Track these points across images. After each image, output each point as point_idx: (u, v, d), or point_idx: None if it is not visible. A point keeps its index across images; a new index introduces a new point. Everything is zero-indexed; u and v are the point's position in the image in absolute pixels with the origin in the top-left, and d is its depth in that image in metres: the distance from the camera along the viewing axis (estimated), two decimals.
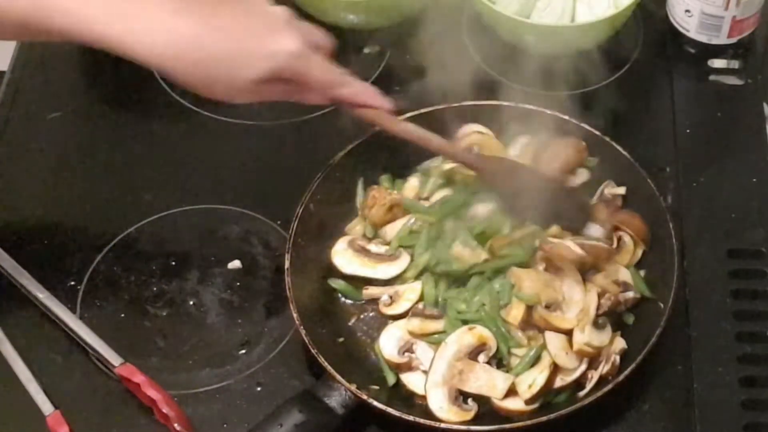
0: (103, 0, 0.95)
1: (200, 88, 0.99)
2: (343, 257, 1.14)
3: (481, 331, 1.06)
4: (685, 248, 1.14)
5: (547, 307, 1.07)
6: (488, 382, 1.04)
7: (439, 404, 1.03)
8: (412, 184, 1.20)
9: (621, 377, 1.02)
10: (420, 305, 1.10)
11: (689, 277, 1.13)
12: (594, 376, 1.05)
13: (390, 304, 1.11)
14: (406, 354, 1.08)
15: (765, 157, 1.24)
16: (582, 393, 1.05)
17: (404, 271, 1.13)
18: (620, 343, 1.07)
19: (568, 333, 1.06)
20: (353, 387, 1.03)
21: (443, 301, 1.11)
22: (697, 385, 1.06)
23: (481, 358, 1.06)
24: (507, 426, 1.01)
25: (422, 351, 1.07)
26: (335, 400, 1.03)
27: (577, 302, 1.08)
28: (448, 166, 1.19)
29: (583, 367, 1.06)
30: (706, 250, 1.16)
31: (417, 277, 1.12)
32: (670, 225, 1.11)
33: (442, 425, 1.02)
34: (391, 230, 1.15)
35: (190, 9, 0.96)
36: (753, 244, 1.16)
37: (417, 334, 1.08)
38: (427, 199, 1.18)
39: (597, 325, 1.07)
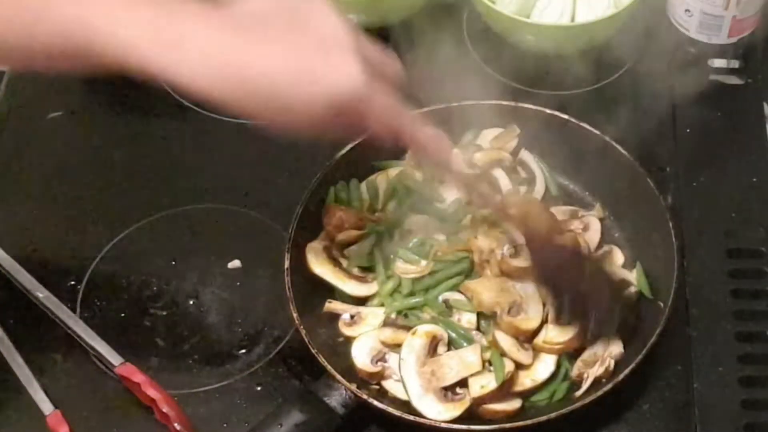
0: (143, 23, 0.82)
1: (245, 116, 0.85)
2: (316, 258, 1.13)
3: (425, 329, 1.06)
4: (685, 248, 1.14)
5: (509, 312, 1.07)
6: (460, 364, 1.04)
7: (435, 410, 1.02)
8: (363, 196, 1.19)
9: (621, 377, 1.02)
10: (393, 315, 1.10)
11: (689, 277, 1.13)
12: (590, 376, 1.05)
13: (350, 325, 1.10)
14: (379, 363, 1.07)
15: (765, 157, 1.24)
16: (579, 393, 1.05)
17: (371, 297, 1.13)
18: (617, 347, 1.07)
19: (536, 333, 1.06)
20: (353, 387, 1.03)
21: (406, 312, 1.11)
22: (697, 385, 1.06)
23: (441, 349, 1.06)
24: (507, 426, 1.01)
25: (394, 360, 1.06)
26: (335, 399, 1.03)
27: (534, 297, 1.08)
28: (394, 172, 1.19)
29: (551, 365, 1.06)
30: (706, 249, 1.16)
31: (382, 305, 1.12)
32: (670, 224, 1.11)
33: (443, 425, 1.02)
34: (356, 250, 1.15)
35: (237, 26, 0.83)
36: (753, 244, 1.16)
37: (389, 344, 1.07)
38: (381, 210, 1.18)
39: (558, 321, 1.07)
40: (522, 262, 1.09)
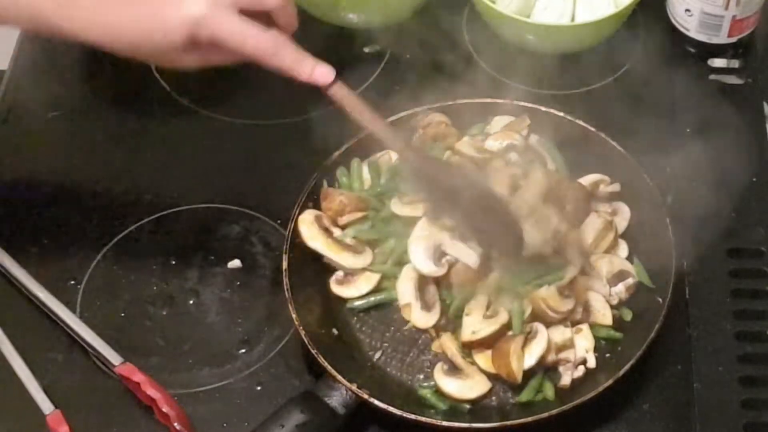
0: None
1: (155, 61, 1.08)
2: (309, 230, 1.13)
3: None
4: (685, 248, 1.14)
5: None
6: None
7: (428, 268, 1.07)
8: (365, 176, 1.20)
9: (620, 373, 1.02)
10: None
11: (689, 277, 1.13)
12: (567, 368, 1.07)
13: (342, 283, 1.12)
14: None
15: (765, 157, 1.24)
16: (578, 391, 1.05)
17: (368, 266, 1.14)
18: (587, 340, 1.09)
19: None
20: (354, 387, 1.03)
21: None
22: (697, 385, 1.06)
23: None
24: (507, 423, 1.02)
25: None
26: (336, 400, 1.03)
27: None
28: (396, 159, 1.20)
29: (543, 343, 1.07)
30: (706, 249, 1.16)
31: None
32: (668, 221, 1.11)
33: (444, 423, 1.02)
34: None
35: None
36: (753, 244, 1.16)
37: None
38: (382, 194, 1.18)
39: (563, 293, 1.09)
40: None
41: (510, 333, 1.07)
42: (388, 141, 1.09)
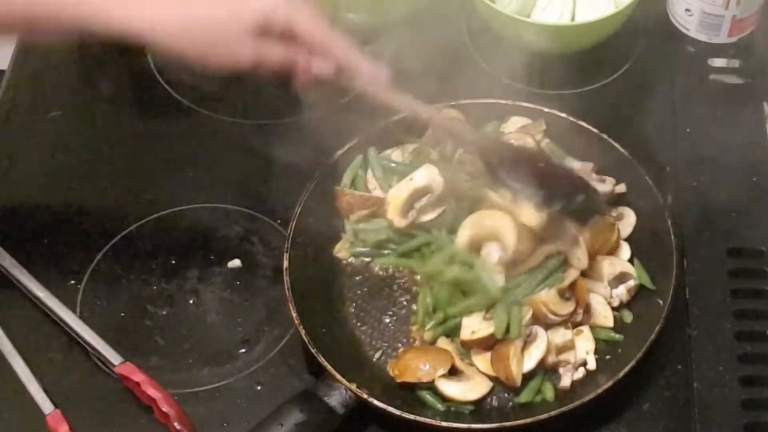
0: None
1: (200, 54, 1.00)
2: None
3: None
4: (685, 247, 1.15)
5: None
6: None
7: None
8: (371, 177, 1.21)
9: (621, 374, 1.02)
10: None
11: (689, 277, 1.13)
12: (568, 369, 1.07)
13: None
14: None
15: (765, 156, 1.24)
16: (578, 392, 1.05)
17: None
18: (588, 342, 1.09)
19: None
20: (353, 386, 1.03)
21: None
22: (697, 385, 1.06)
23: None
24: (507, 424, 1.02)
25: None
26: (335, 399, 1.03)
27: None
28: (410, 148, 1.21)
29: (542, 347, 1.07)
30: (706, 249, 1.16)
31: None
32: (669, 222, 1.11)
33: (443, 423, 1.02)
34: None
35: None
36: (753, 244, 1.16)
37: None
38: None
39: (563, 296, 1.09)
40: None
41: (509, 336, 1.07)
42: (458, 132, 1.15)
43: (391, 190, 1.15)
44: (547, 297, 1.07)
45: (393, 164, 1.20)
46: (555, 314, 1.07)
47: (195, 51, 1.00)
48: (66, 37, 1.02)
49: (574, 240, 1.09)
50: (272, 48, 1.00)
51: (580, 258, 1.10)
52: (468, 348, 1.07)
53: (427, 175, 1.14)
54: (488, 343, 1.07)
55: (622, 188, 1.17)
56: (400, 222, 1.14)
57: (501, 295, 1.08)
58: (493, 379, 1.07)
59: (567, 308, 1.08)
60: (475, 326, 1.07)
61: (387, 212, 1.14)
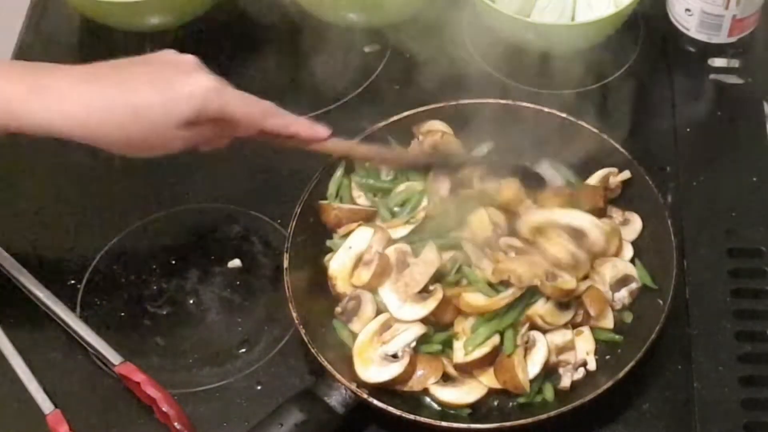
0: (17, 82, 0.97)
1: (133, 148, 1.02)
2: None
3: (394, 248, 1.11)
4: (685, 247, 1.14)
5: (548, 279, 1.07)
6: (424, 266, 1.08)
7: (414, 313, 1.07)
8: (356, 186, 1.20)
9: (621, 374, 1.02)
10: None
11: (689, 277, 1.13)
12: (568, 370, 1.07)
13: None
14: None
15: (765, 156, 1.24)
16: (578, 392, 1.05)
17: None
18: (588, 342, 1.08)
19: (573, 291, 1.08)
20: (353, 386, 1.03)
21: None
22: (697, 385, 1.06)
23: (409, 259, 1.10)
24: (507, 424, 1.02)
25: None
26: (335, 399, 1.03)
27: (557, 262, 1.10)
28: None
29: (543, 352, 1.06)
30: (707, 249, 1.16)
31: None
32: (669, 222, 1.11)
33: (443, 423, 1.02)
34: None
35: (99, 74, 1.00)
36: (753, 243, 1.16)
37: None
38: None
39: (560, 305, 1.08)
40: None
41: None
42: (405, 161, 1.17)
43: (332, 264, 1.12)
44: (544, 309, 1.07)
45: (372, 181, 1.19)
46: (552, 325, 1.07)
47: (125, 145, 1.01)
48: None
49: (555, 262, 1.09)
50: (203, 133, 1.03)
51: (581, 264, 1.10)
52: (464, 371, 1.06)
53: (364, 238, 1.12)
54: (487, 362, 1.06)
55: (626, 174, 1.17)
56: (350, 288, 1.12)
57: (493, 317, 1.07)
58: (499, 390, 1.07)
59: (565, 317, 1.08)
60: (467, 348, 1.05)
61: (335, 286, 1.12)
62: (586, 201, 1.15)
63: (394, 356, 1.06)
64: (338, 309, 1.10)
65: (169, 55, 1.05)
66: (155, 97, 0.98)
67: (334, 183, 1.18)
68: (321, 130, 1.09)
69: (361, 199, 1.18)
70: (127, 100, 0.98)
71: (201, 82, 1.00)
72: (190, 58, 1.04)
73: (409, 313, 1.07)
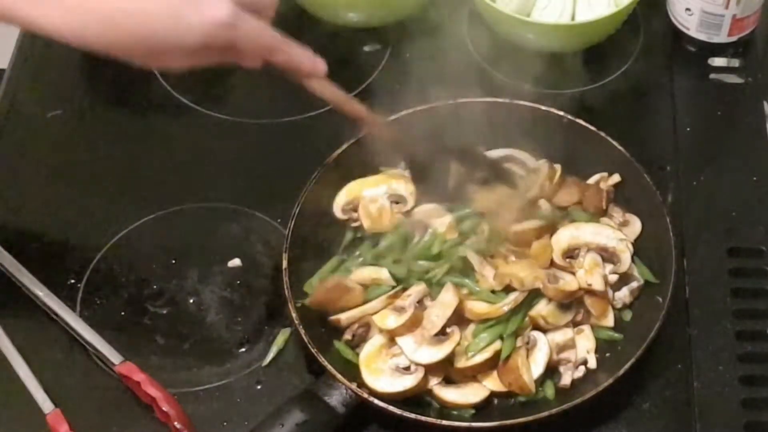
0: None
1: (134, 57, 0.96)
2: None
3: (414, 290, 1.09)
4: (685, 247, 1.15)
5: (550, 281, 1.08)
6: (441, 308, 1.06)
7: (429, 356, 1.05)
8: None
9: (620, 372, 1.02)
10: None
11: (689, 276, 1.13)
12: (568, 368, 1.07)
13: None
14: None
15: (765, 156, 1.24)
16: (578, 390, 1.05)
17: None
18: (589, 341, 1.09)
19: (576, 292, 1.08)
20: (354, 386, 1.03)
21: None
22: (697, 384, 1.06)
23: (427, 302, 1.08)
24: (507, 422, 1.02)
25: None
26: (336, 398, 1.03)
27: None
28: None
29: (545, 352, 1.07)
30: (707, 248, 1.16)
31: None
32: (669, 222, 1.11)
33: (444, 422, 1.02)
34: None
35: None
36: (753, 243, 1.16)
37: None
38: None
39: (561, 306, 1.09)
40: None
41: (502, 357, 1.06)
42: (365, 117, 1.11)
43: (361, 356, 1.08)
44: (546, 310, 1.07)
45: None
46: (554, 326, 1.08)
47: (123, 55, 0.95)
48: None
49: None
50: (209, 57, 0.98)
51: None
52: (465, 376, 1.06)
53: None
54: (490, 365, 1.06)
55: (615, 178, 1.18)
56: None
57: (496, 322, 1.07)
58: (505, 393, 1.07)
59: (566, 318, 1.08)
60: (468, 353, 1.06)
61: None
62: (591, 201, 1.15)
63: (407, 368, 1.05)
64: (347, 336, 1.09)
65: None
66: (164, 22, 0.93)
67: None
68: (320, 65, 1.04)
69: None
70: (136, 22, 0.93)
71: (213, 13, 0.93)
72: None
73: (425, 357, 1.05)
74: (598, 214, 1.15)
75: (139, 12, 0.92)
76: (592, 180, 1.19)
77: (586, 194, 1.17)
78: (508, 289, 1.08)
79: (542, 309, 1.07)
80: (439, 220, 1.14)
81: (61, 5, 0.92)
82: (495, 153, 1.21)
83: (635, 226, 1.16)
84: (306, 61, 1.03)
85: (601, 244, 1.11)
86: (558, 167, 1.19)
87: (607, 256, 1.11)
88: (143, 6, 0.93)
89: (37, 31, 0.93)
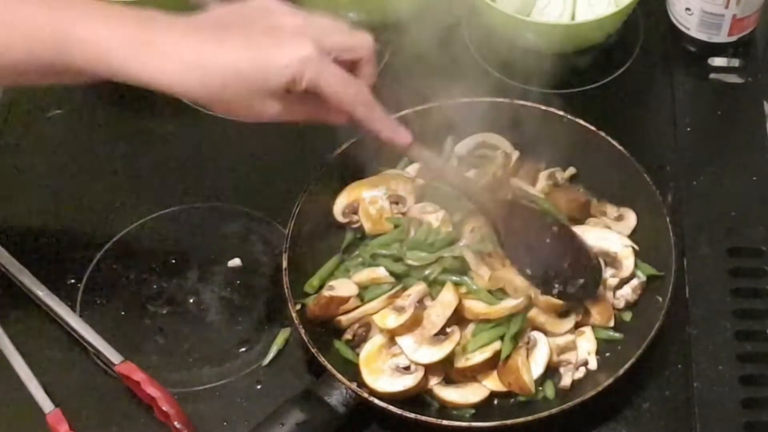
0: (119, 32, 0.95)
1: (224, 110, 0.99)
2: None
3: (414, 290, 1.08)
4: (685, 246, 1.15)
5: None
6: (441, 307, 1.06)
7: (429, 355, 1.04)
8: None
9: (620, 372, 1.02)
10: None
11: (689, 276, 1.13)
12: (569, 370, 1.07)
13: None
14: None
15: (765, 156, 1.24)
16: (578, 390, 1.05)
17: None
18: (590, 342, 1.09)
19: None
20: (354, 385, 1.03)
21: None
22: (697, 384, 1.06)
23: (427, 302, 1.08)
24: (508, 422, 1.02)
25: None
26: (336, 398, 1.03)
27: None
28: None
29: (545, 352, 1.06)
30: (706, 248, 1.16)
31: None
32: (668, 221, 1.11)
33: (444, 422, 1.02)
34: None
35: (200, 32, 0.96)
36: (753, 243, 1.16)
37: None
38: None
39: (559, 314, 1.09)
40: None
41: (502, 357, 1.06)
42: (467, 190, 1.11)
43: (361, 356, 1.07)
44: (544, 318, 1.07)
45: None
46: (554, 333, 1.08)
47: (217, 107, 0.98)
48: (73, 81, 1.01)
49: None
50: (295, 106, 0.99)
51: None
52: (465, 376, 1.06)
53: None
54: (490, 365, 1.06)
55: (571, 171, 1.19)
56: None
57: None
58: (505, 393, 1.07)
59: (566, 325, 1.08)
60: (467, 353, 1.06)
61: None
62: (574, 207, 1.16)
63: (407, 368, 1.05)
64: (347, 336, 1.09)
65: (276, 14, 0.99)
66: (249, 64, 0.95)
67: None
68: (402, 136, 1.04)
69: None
70: (223, 64, 0.95)
71: (298, 53, 0.95)
72: (295, 21, 0.98)
73: (425, 356, 1.05)
74: (582, 215, 1.16)
75: (226, 60, 0.95)
76: (545, 173, 1.19)
77: (566, 202, 1.16)
78: (504, 289, 1.08)
79: (539, 317, 1.07)
80: (434, 215, 1.14)
81: (181, 61, 0.95)
82: (469, 140, 1.21)
83: (630, 220, 1.16)
84: (385, 131, 1.03)
85: (604, 248, 1.11)
86: (515, 153, 1.19)
87: (610, 261, 1.11)
88: (228, 56, 0.95)
89: (146, 86, 0.96)
